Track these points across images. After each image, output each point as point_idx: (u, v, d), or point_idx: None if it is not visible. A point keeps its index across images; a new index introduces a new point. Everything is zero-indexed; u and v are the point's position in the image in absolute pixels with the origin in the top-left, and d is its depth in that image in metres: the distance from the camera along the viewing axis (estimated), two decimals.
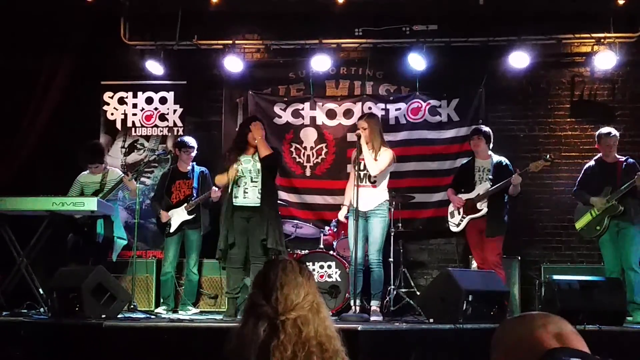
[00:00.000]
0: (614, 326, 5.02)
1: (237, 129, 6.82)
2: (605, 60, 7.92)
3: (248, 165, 6.20)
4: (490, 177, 6.62)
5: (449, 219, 6.94)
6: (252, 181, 6.18)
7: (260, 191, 6.16)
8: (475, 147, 6.83)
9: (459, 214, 6.79)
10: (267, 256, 5.98)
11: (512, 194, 6.61)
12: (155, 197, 7.50)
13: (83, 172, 7.28)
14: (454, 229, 6.90)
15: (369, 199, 6.19)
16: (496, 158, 6.77)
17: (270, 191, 6.29)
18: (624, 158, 6.56)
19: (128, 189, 7.38)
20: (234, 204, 6.16)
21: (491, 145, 6.83)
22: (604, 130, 6.65)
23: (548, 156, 6.57)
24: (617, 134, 6.62)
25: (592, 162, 6.74)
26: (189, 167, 7.36)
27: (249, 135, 6.26)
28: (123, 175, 7.15)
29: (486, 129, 6.90)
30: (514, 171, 6.58)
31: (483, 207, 6.60)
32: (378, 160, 6.24)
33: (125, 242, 7.27)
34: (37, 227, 6.30)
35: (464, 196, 6.75)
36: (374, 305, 6.24)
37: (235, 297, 6.16)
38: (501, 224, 6.60)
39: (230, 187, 6.18)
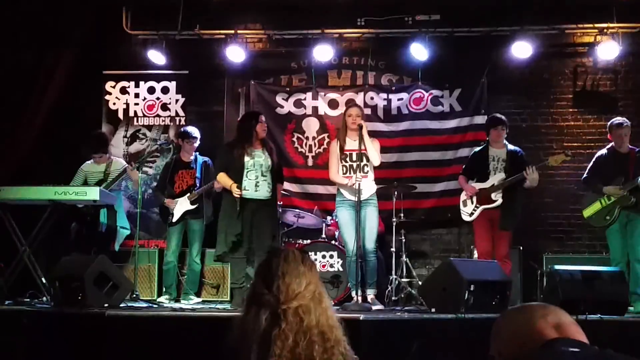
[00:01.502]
0: (616, 316, 5.03)
1: (239, 122, 6.74)
2: (608, 50, 7.91)
3: (260, 160, 6.23)
4: (506, 167, 6.50)
5: (461, 207, 6.74)
6: (262, 175, 6.20)
7: (270, 185, 6.22)
8: (497, 137, 6.59)
9: (472, 203, 6.63)
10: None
11: (528, 188, 6.50)
12: (158, 187, 7.53)
13: (87, 162, 7.32)
14: (466, 218, 6.72)
15: (364, 189, 6.13)
16: (511, 147, 6.62)
17: (276, 186, 6.40)
18: (637, 149, 6.47)
19: (131, 179, 7.40)
20: (243, 196, 6.12)
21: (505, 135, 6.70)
22: (616, 120, 6.54)
23: (569, 151, 6.50)
24: (629, 123, 6.50)
25: (604, 151, 6.62)
26: (192, 157, 7.37)
27: (255, 129, 6.27)
28: (127, 165, 7.18)
29: (504, 118, 6.73)
30: (527, 162, 6.48)
31: (498, 197, 6.45)
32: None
33: (128, 232, 7.29)
34: (39, 216, 6.31)
35: (477, 185, 6.61)
36: (371, 293, 6.19)
37: (240, 287, 6.16)
38: (515, 217, 6.49)
39: (240, 180, 6.16)
